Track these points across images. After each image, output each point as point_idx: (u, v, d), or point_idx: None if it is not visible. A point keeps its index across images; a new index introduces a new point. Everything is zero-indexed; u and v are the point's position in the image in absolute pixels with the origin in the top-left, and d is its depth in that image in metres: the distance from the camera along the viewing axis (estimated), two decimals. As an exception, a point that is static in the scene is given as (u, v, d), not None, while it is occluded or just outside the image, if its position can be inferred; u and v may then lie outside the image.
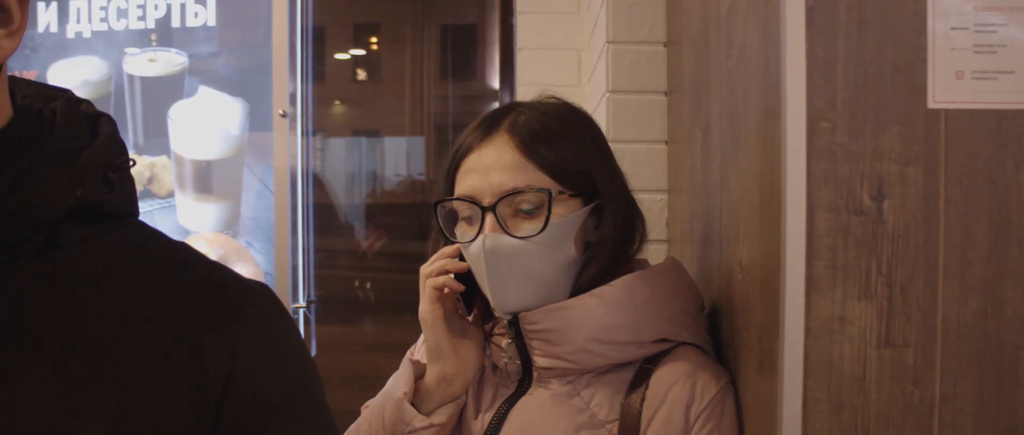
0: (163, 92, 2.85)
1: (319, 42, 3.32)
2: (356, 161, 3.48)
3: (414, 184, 3.39)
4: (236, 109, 2.81)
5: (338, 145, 3.46)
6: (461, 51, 3.45)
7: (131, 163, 0.79)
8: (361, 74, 3.64)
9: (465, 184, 1.20)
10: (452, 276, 1.21)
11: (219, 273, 0.79)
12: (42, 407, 0.66)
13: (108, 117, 0.79)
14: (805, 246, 0.96)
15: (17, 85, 0.75)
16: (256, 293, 0.78)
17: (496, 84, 3.18)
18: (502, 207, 1.17)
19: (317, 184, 3.14)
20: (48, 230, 0.70)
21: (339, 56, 3.52)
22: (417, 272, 1.25)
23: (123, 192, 0.78)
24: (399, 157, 3.52)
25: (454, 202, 1.22)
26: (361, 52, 3.60)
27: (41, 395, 0.66)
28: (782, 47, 0.97)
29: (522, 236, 1.16)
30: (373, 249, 3.27)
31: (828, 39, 0.95)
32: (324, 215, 3.17)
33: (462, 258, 1.22)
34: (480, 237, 1.17)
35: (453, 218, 1.24)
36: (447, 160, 1.26)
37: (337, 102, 3.55)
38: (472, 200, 1.18)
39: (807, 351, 0.96)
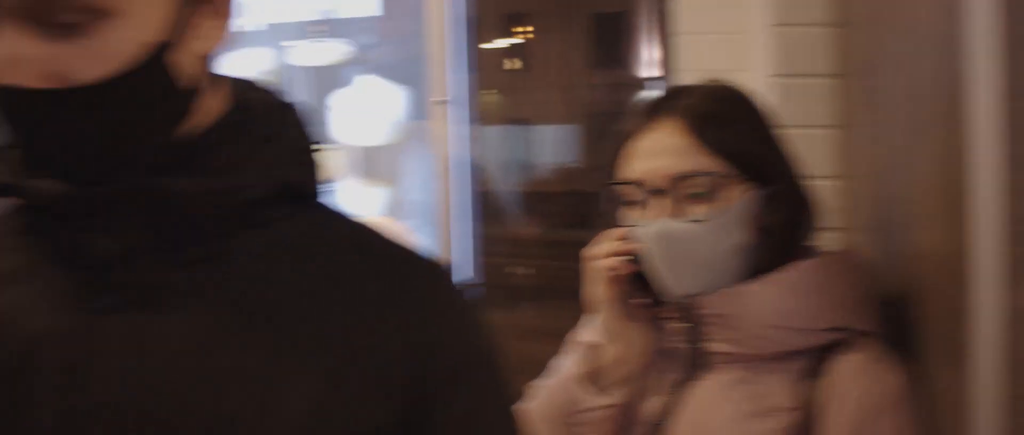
0: (328, 81, 2.95)
1: (471, 31, 3.36)
2: (510, 149, 3.52)
3: (567, 172, 3.40)
4: (399, 97, 2.88)
5: (492, 133, 3.50)
6: (611, 39, 3.42)
7: (321, 148, 0.84)
8: (512, 63, 3.67)
9: (633, 168, 1.19)
10: (624, 259, 1.21)
11: (406, 248, 0.84)
12: (254, 370, 0.72)
13: (300, 105, 0.85)
14: (1004, 232, 0.91)
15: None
16: (441, 267, 0.84)
17: (646, 72, 3.14)
18: (672, 191, 1.16)
19: (475, 171, 3.18)
20: (257, 208, 0.77)
21: (490, 45, 3.55)
22: (572, 259, 1.25)
23: (316, 174, 0.84)
24: (552, 145, 3.53)
25: (622, 186, 1.21)
26: (513, 42, 3.62)
27: (253, 360, 0.73)
28: (970, 24, 0.93)
29: (693, 220, 1.14)
30: (529, 237, 3.29)
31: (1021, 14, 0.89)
32: (481, 202, 3.21)
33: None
34: (650, 221, 1.16)
35: (621, 202, 1.23)
36: (613, 144, 1.25)
37: (490, 91, 3.59)
38: (641, 184, 1.18)
39: (1006, 343, 0.91)
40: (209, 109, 0.77)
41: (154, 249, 0.73)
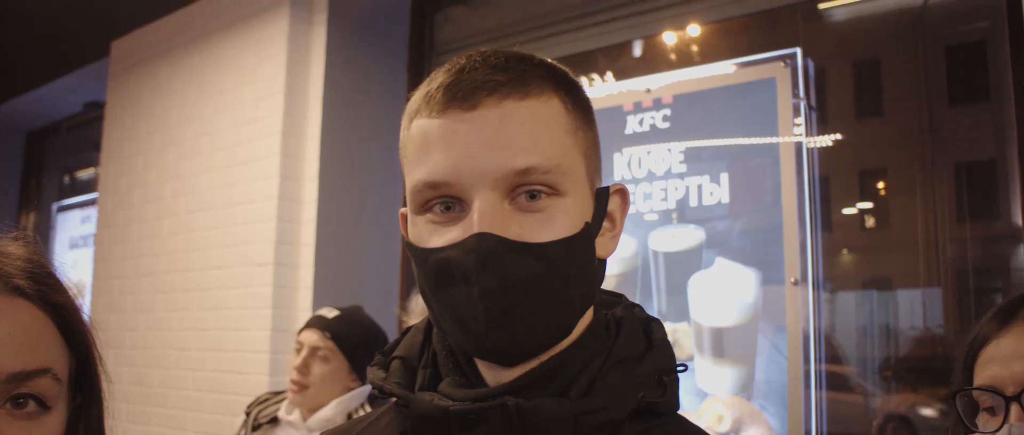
0: (683, 264, 3.08)
1: (824, 190, 3.35)
2: (867, 314, 3.41)
3: (932, 338, 3.22)
4: (750, 278, 2.95)
5: (847, 299, 3.42)
6: (978, 189, 3.24)
7: (682, 368, 0.93)
8: (868, 221, 3.59)
9: (985, 374, 1.20)
10: None
11: None
12: None
13: (658, 322, 0.95)
14: None
15: None
16: None
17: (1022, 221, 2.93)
18: None
19: (828, 342, 3.12)
20: (612, 427, 0.84)
21: (844, 209, 3.51)
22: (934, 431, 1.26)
23: (673, 393, 0.91)
24: (914, 309, 3.39)
25: (974, 392, 1.22)
26: (867, 202, 3.56)
27: None
28: None
29: None
30: (898, 410, 3.15)
31: None
32: (835, 371, 3.13)
33: None
34: (1006, 427, 1.15)
35: (974, 408, 1.24)
36: (963, 349, 1.26)
37: (844, 251, 3.54)
38: (994, 390, 1.18)
39: None
40: (580, 323, 0.88)
41: None
